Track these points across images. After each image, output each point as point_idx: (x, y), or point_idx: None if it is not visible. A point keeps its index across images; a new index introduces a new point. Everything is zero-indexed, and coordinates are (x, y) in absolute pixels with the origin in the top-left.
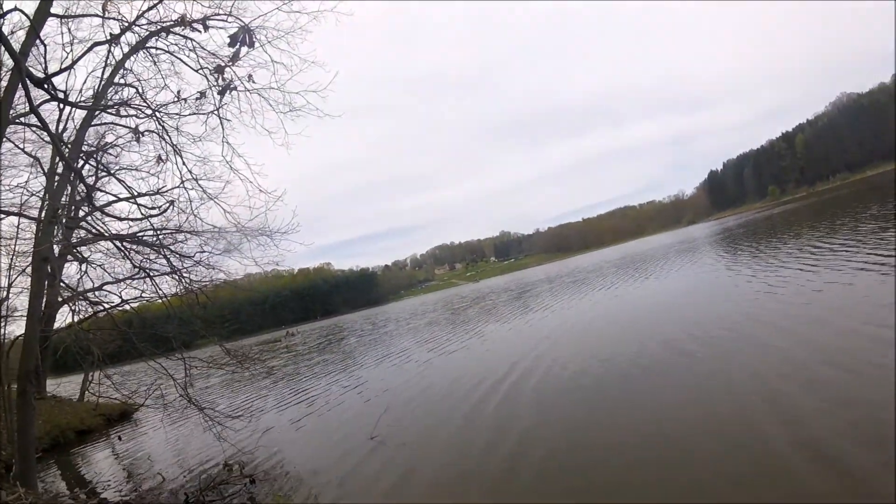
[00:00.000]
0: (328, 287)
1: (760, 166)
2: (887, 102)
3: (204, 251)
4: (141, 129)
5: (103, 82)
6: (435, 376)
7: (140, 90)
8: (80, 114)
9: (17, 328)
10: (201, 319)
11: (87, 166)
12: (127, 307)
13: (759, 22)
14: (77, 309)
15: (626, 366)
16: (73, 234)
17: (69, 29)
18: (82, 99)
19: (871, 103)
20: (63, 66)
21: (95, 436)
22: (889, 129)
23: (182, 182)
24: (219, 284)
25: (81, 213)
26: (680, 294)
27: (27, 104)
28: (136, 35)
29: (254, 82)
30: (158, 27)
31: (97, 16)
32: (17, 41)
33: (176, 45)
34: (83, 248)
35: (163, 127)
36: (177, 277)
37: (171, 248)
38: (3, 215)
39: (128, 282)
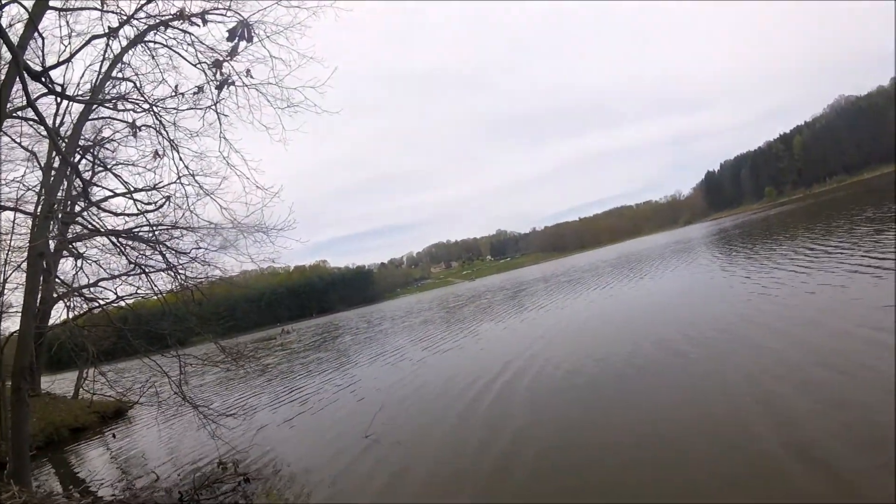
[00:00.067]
0: (324, 284)
1: (758, 167)
2: (885, 105)
3: (200, 247)
4: (138, 123)
5: (101, 76)
6: (429, 375)
7: (138, 84)
8: (77, 108)
9: (11, 324)
10: (196, 316)
11: (83, 161)
12: (122, 303)
13: (757, 23)
14: (72, 305)
15: (620, 366)
16: (69, 230)
17: (67, 22)
18: (80, 93)
19: (870, 106)
20: (61, 60)
21: (90, 433)
22: (886, 132)
23: (179, 177)
24: (214, 281)
25: (77, 209)
26: (675, 294)
27: (24, 98)
28: (135, 29)
29: (252, 77)
30: (157, 21)
31: (96, 9)
32: (15, 34)
33: (174, 39)
34: (79, 243)
35: (160, 122)
36: (172, 274)
37: (167, 244)
38: None
39: (123, 278)
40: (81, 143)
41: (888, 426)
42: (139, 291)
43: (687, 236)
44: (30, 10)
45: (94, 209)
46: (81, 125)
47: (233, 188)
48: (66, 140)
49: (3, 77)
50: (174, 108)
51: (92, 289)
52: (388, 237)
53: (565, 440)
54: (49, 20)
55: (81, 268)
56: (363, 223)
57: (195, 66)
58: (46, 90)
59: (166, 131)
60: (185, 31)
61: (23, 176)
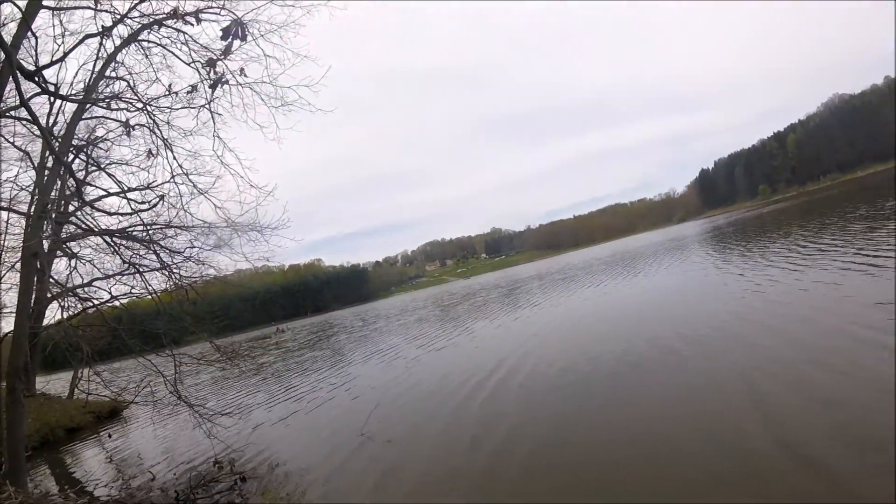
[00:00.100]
0: (319, 283)
1: (751, 166)
2: (879, 104)
3: (194, 247)
4: (132, 122)
5: (94, 75)
6: (424, 373)
7: (131, 83)
8: (70, 107)
9: (6, 325)
10: (191, 316)
11: (77, 160)
12: (116, 303)
13: (752, 23)
14: (66, 305)
15: (613, 363)
16: (63, 230)
17: (61, 21)
18: (73, 92)
19: (864, 105)
20: (54, 59)
21: (85, 433)
22: (880, 131)
23: (173, 177)
24: (209, 280)
25: (71, 208)
26: (669, 292)
27: (17, 97)
28: (128, 28)
29: (246, 76)
30: (151, 20)
31: (89, 8)
32: (8, 34)
33: (168, 38)
34: (73, 243)
35: (154, 121)
36: (167, 273)
37: (161, 243)
38: None
39: (117, 277)
40: (75, 142)
41: (881, 425)
42: (133, 291)
43: (681, 234)
44: (23, 9)
45: (87, 209)
46: (75, 124)
47: (227, 187)
48: (60, 139)
49: None
50: (168, 108)
51: (86, 288)
52: (382, 236)
53: (558, 438)
54: (42, 19)
55: (75, 267)
56: (358, 222)
57: (189, 65)
58: (40, 90)
59: (160, 130)
60: (178, 30)
61: (16, 176)
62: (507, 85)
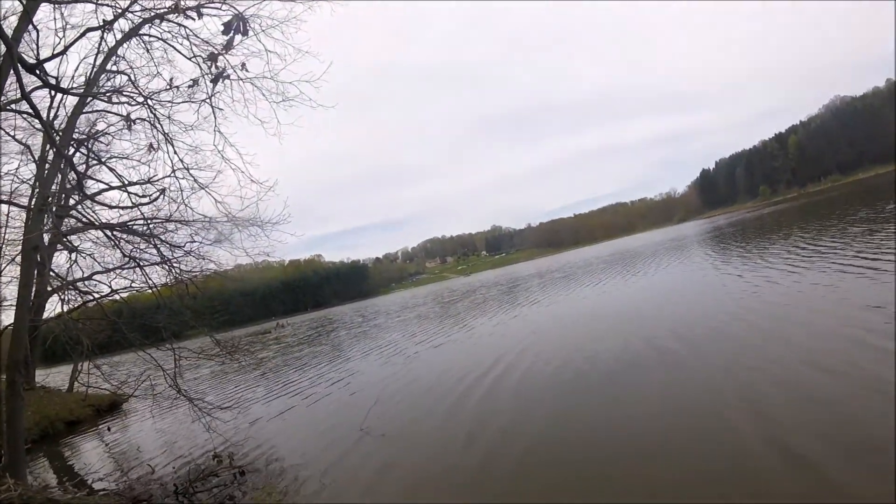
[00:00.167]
0: (319, 279)
1: (752, 166)
2: (880, 106)
3: (194, 241)
4: (133, 116)
5: (95, 69)
6: (422, 369)
7: (132, 78)
8: (71, 101)
9: (6, 318)
10: (191, 310)
11: (78, 154)
12: (117, 297)
13: (753, 23)
14: (67, 298)
15: (610, 362)
16: (64, 223)
17: (62, 14)
18: (74, 86)
19: (865, 107)
20: (55, 53)
21: (85, 426)
22: (881, 133)
23: (173, 171)
24: (209, 275)
25: (72, 202)
26: (667, 292)
27: (18, 90)
28: (130, 22)
29: (247, 71)
30: (152, 14)
31: (90, 2)
32: (9, 27)
33: (169, 32)
34: (73, 237)
35: (154, 115)
36: (167, 267)
37: (162, 237)
38: None
39: (118, 271)
40: (76, 136)
41: (873, 425)
42: (134, 285)
43: (681, 234)
44: (24, 2)
45: (88, 202)
46: (76, 118)
47: (227, 182)
48: (61, 133)
49: None
50: (169, 102)
51: (86, 282)
52: (383, 232)
53: (553, 435)
54: (43, 12)
55: (76, 261)
56: (358, 218)
57: (190, 59)
58: (41, 83)
59: (161, 125)
60: (180, 25)
61: (17, 169)
62: (508, 83)
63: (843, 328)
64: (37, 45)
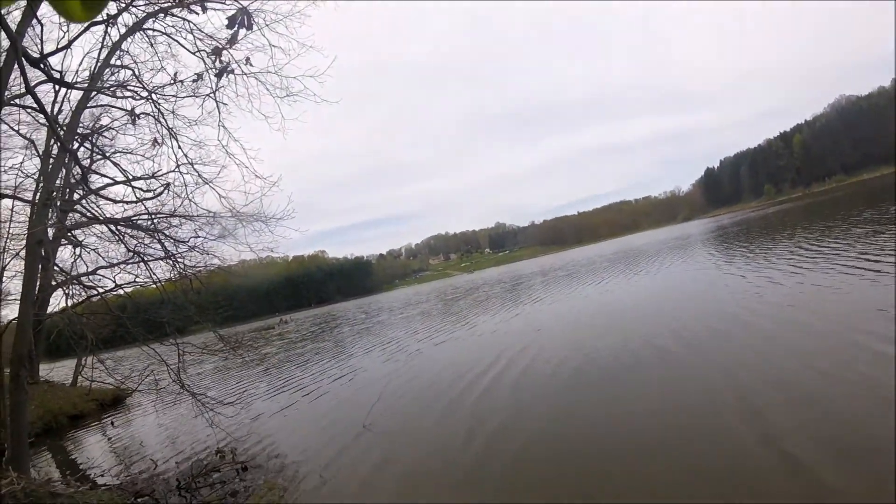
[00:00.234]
0: (322, 275)
1: (757, 165)
2: (886, 106)
3: (198, 236)
4: (137, 111)
5: (100, 63)
6: (425, 366)
7: (136, 72)
8: (75, 95)
9: (10, 312)
10: (195, 305)
11: (82, 149)
12: (121, 292)
13: (755, 23)
14: (71, 293)
15: (610, 361)
16: (68, 218)
17: None
18: (78, 80)
19: (871, 106)
20: (59, 47)
21: (88, 421)
22: (886, 133)
23: (177, 166)
24: (213, 270)
25: (76, 197)
26: (669, 292)
27: (22, 85)
28: (134, 16)
29: (251, 66)
30: (156, 8)
31: None
32: (13, 21)
33: (173, 26)
34: (77, 231)
35: (159, 109)
36: (171, 262)
37: (166, 232)
38: None
39: (122, 266)
40: (80, 130)
41: (870, 429)
42: (138, 280)
43: (685, 233)
44: None
45: (92, 197)
46: (80, 112)
47: (232, 177)
48: (65, 128)
49: (0, 64)
50: (173, 96)
51: (90, 277)
52: (387, 228)
53: (551, 432)
54: (47, 6)
55: (80, 256)
56: (362, 214)
57: (194, 53)
58: (45, 77)
59: (165, 119)
60: (184, 19)
61: (21, 163)
62: (512, 80)
63: (844, 331)
64: (41, 39)
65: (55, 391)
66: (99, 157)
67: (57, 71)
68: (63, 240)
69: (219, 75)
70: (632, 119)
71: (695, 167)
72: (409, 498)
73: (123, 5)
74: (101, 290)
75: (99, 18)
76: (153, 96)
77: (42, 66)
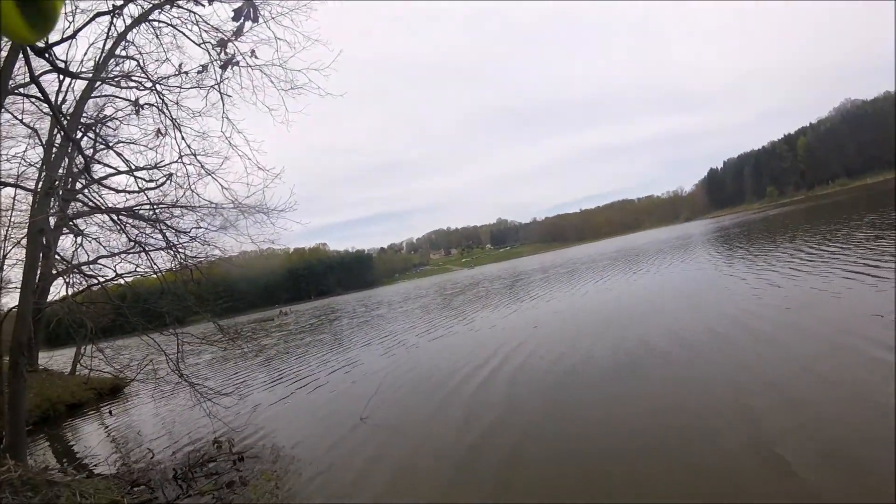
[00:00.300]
0: (323, 268)
1: (760, 167)
2: (890, 111)
3: (200, 227)
4: (141, 101)
5: (104, 54)
6: (422, 360)
7: (141, 63)
8: (79, 85)
9: (10, 300)
10: (195, 296)
11: (85, 138)
12: (121, 281)
13: (761, 22)
14: (71, 282)
15: (606, 360)
16: (70, 207)
17: None
18: (83, 70)
19: (876, 111)
20: (65, 36)
21: (86, 410)
22: (890, 138)
23: (180, 156)
24: (214, 261)
25: (78, 186)
26: (668, 292)
27: (27, 74)
28: (140, 7)
29: (256, 58)
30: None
31: None
32: None
33: (179, 18)
34: (79, 220)
35: (163, 100)
36: (172, 252)
37: (167, 222)
38: None
39: (123, 256)
40: (84, 120)
41: (859, 434)
42: (138, 269)
43: (686, 233)
44: None
45: (95, 186)
46: (84, 102)
47: (234, 168)
48: (69, 117)
49: (5, 53)
50: (177, 87)
51: (91, 266)
52: (388, 222)
53: (545, 428)
54: None
55: (81, 245)
56: (364, 208)
57: (199, 45)
58: (50, 67)
59: (169, 110)
60: (190, 11)
61: (24, 152)
62: (516, 78)
63: (840, 335)
64: None
65: (54, 379)
66: (102, 146)
67: (62, 61)
68: (65, 229)
69: (223, 67)
70: (633, 119)
71: (696, 168)
72: (404, 490)
73: None
74: (101, 280)
75: (105, 8)
76: (157, 87)
77: (47, 55)
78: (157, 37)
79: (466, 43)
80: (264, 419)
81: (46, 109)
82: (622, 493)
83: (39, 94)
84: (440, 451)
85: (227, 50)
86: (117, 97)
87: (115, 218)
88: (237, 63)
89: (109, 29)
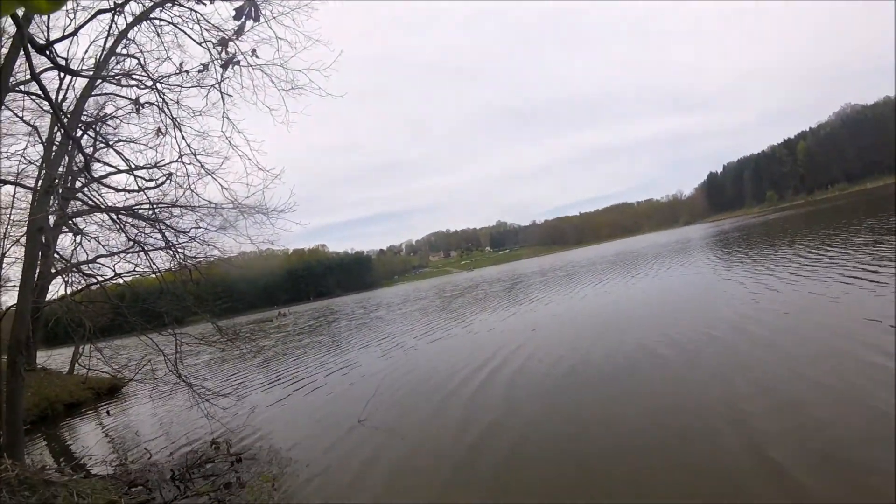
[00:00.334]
0: (322, 269)
1: (760, 171)
2: (890, 116)
3: (199, 227)
4: (141, 100)
5: (105, 52)
6: (420, 362)
7: (142, 61)
8: (80, 83)
9: (9, 298)
10: (194, 296)
11: (85, 137)
12: (120, 281)
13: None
14: (70, 281)
15: (603, 363)
16: (69, 205)
17: None
18: (84, 68)
19: (876, 116)
20: (66, 34)
21: (84, 409)
22: (890, 143)
23: (180, 156)
24: (213, 261)
25: (78, 184)
26: (667, 296)
27: (28, 72)
28: (141, 5)
29: (257, 58)
30: None
31: None
32: (19, 7)
33: (180, 16)
34: (78, 219)
35: (163, 99)
36: (171, 252)
37: (167, 222)
38: None
39: (122, 255)
40: (84, 118)
41: (855, 440)
42: (137, 269)
43: (686, 237)
44: None
45: (94, 185)
46: (84, 100)
47: (234, 168)
48: (69, 115)
49: (6, 51)
50: (178, 86)
51: (90, 265)
52: (387, 224)
53: (542, 430)
54: None
55: (80, 244)
56: (364, 208)
57: (200, 44)
58: (51, 64)
59: (169, 109)
60: (191, 9)
61: (24, 150)
62: (515, 79)
63: (839, 340)
64: (47, 26)
65: (52, 379)
66: (102, 145)
67: (63, 58)
68: (64, 227)
69: (224, 66)
70: (633, 119)
71: (696, 169)
72: (402, 491)
73: None
74: (100, 279)
75: (106, 6)
76: (158, 86)
77: (48, 52)
78: (158, 35)
79: (466, 43)
80: (262, 420)
81: (47, 107)
82: (622, 492)
83: (40, 92)
84: (439, 452)
85: (228, 49)
86: (118, 95)
87: (114, 217)
88: (238, 62)
89: (110, 27)
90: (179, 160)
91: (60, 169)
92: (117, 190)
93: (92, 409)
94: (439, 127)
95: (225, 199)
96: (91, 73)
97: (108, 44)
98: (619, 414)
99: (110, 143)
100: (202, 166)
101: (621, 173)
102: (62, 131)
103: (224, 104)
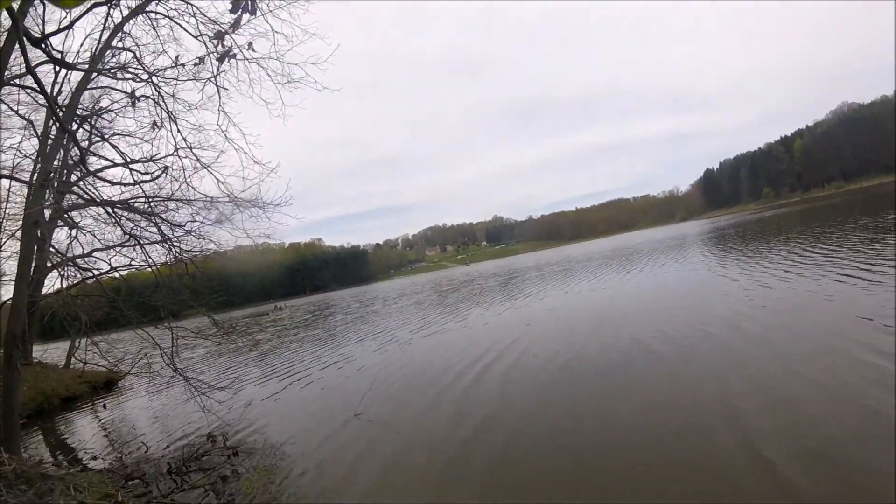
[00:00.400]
0: (318, 263)
1: (757, 168)
2: (887, 115)
3: (195, 220)
4: (137, 94)
5: (101, 45)
6: (415, 357)
7: (138, 55)
8: (75, 77)
9: (5, 293)
10: (190, 290)
11: (80, 130)
12: (116, 274)
13: (761, 22)
14: (66, 275)
15: (597, 358)
16: (65, 199)
17: None
18: (79, 61)
19: (872, 114)
20: (61, 27)
21: (80, 403)
22: (887, 142)
23: (176, 149)
24: (209, 255)
25: (74, 178)
26: (662, 292)
27: (23, 65)
28: None
29: (253, 51)
30: None
31: None
32: (14, 0)
33: (176, 10)
34: (74, 213)
35: (159, 93)
36: (167, 246)
37: (163, 216)
38: None
39: (117, 249)
40: (79, 111)
41: (847, 438)
42: (133, 263)
43: (682, 233)
44: None
45: (90, 179)
46: (80, 94)
47: (230, 162)
48: (64, 108)
49: (1, 44)
50: (174, 80)
51: (86, 259)
52: (384, 218)
53: (536, 424)
54: None
55: (76, 237)
56: (360, 203)
57: (196, 37)
58: (46, 57)
59: (165, 103)
60: (187, 2)
61: (19, 143)
62: (515, 76)
63: (832, 338)
64: (43, 19)
65: (48, 372)
66: (97, 138)
67: (58, 51)
68: (59, 221)
69: (220, 60)
70: (633, 119)
71: (695, 168)
72: (397, 484)
73: None
74: (96, 273)
75: None
76: (154, 79)
77: (43, 46)
78: (153, 28)
79: (467, 41)
80: (258, 414)
81: (42, 100)
82: (616, 487)
83: (35, 85)
84: (433, 446)
85: (225, 42)
86: (113, 89)
87: (110, 211)
88: (234, 56)
89: (106, 20)
90: (175, 154)
91: (56, 163)
92: (113, 183)
93: (88, 402)
94: (438, 123)
95: (221, 192)
96: (86, 66)
97: (104, 37)
98: (613, 409)
99: (106, 136)
100: (198, 160)
101: (620, 171)
102: (57, 125)
103: (220, 98)
